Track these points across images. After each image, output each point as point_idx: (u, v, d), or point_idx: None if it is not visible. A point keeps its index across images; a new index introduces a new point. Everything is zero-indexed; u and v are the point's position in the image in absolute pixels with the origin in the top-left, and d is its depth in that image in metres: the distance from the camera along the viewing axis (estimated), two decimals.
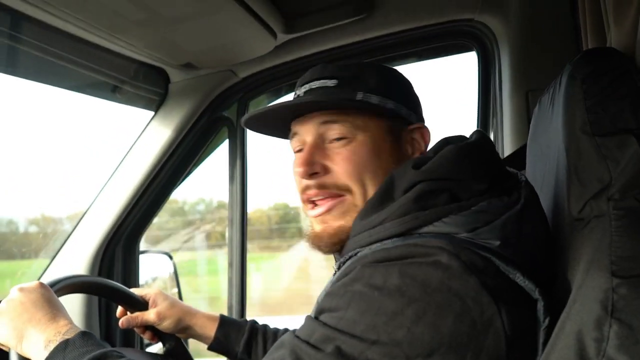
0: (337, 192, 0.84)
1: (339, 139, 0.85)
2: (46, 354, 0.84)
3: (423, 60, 1.72)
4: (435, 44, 1.65)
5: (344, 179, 0.84)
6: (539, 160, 0.94)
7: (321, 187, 0.85)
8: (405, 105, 0.89)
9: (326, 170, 0.84)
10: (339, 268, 0.85)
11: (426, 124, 0.93)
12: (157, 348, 1.26)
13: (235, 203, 1.76)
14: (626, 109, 0.67)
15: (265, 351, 1.19)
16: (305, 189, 0.86)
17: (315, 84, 0.87)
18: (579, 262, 0.67)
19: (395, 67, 0.95)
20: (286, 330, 1.24)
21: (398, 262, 0.70)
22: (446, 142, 0.87)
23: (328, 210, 0.85)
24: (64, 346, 0.84)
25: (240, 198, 1.75)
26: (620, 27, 0.80)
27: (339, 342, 0.67)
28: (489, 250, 0.70)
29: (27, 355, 0.87)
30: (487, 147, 0.84)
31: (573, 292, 0.66)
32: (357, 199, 0.84)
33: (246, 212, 1.77)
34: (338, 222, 0.84)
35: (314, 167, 0.84)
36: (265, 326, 1.25)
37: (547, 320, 0.69)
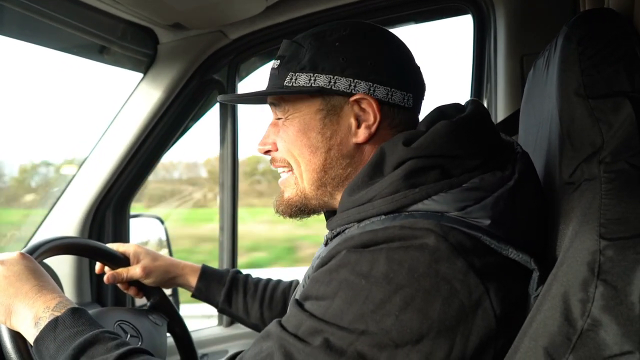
0: (283, 165, 0.90)
1: (279, 119, 0.88)
2: (36, 332, 0.82)
3: (419, 22, 1.69)
4: (431, 6, 1.61)
5: (282, 155, 0.89)
6: (533, 125, 0.94)
7: (272, 161, 0.92)
8: (349, 75, 0.81)
9: (275, 147, 0.90)
10: (326, 243, 0.85)
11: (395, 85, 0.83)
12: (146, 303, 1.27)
13: (226, 167, 1.75)
14: (621, 71, 0.66)
15: (245, 301, 1.22)
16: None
17: (274, 64, 0.89)
18: (569, 225, 0.68)
19: (391, 30, 0.90)
20: (269, 280, 1.26)
21: (385, 246, 0.69)
22: (440, 112, 0.84)
23: (283, 181, 0.92)
24: (53, 325, 0.82)
25: (231, 162, 1.74)
26: None
27: (327, 334, 0.66)
28: (479, 229, 0.69)
29: (16, 330, 0.86)
30: (482, 120, 0.81)
31: (561, 254, 0.66)
32: (296, 173, 0.88)
33: (237, 176, 1.76)
34: (287, 193, 0.90)
35: (264, 146, 0.91)
36: (247, 276, 1.27)
37: (539, 289, 0.69)
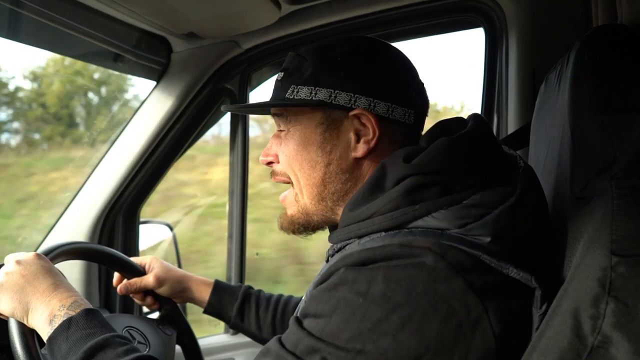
0: (283, 179, 0.90)
1: (281, 131, 0.89)
2: (50, 330, 0.84)
3: (429, 35, 1.69)
4: (443, 19, 1.61)
5: (282, 168, 0.89)
6: (543, 139, 0.93)
7: (273, 174, 0.92)
8: (349, 90, 0.82)
9: (277, 159, 0.90)
10: (327, 260, 0.86)
11: (398, 102, 0.82)
12: (155, 315, 1.27)
13: (235, 175, 1.75)
14: (634, 87, 0.66)
15: (257, 316, 1.22)
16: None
17: (279, 76, 0.90)
18: (579, 240, 0.67)
19: (402, 43, 0.91)
20: (281, 296, 1.26)
21: (383, 265, 0.68)
22: (441, 127, 0.84)
23: (284, 198, 0.92)
24: (67, 325, 0.83)
25: (240, 170, 1.75)
26: (631, 3, 0.78)
27: (324, 353, 0.66)
28: (479, 247, 0.69)
29: (34, 327, 0.87)
30: (482, 136, 0.81)
31: (571, 270, 0.65)
32: (296, 189, 0.88)
33: (247, 184, 1.77)
34: (289, 210, 0.90)
35: (267, 158, 0.91)
36: (259, 291, 1.27)
37: (544, 307, 0.68)
